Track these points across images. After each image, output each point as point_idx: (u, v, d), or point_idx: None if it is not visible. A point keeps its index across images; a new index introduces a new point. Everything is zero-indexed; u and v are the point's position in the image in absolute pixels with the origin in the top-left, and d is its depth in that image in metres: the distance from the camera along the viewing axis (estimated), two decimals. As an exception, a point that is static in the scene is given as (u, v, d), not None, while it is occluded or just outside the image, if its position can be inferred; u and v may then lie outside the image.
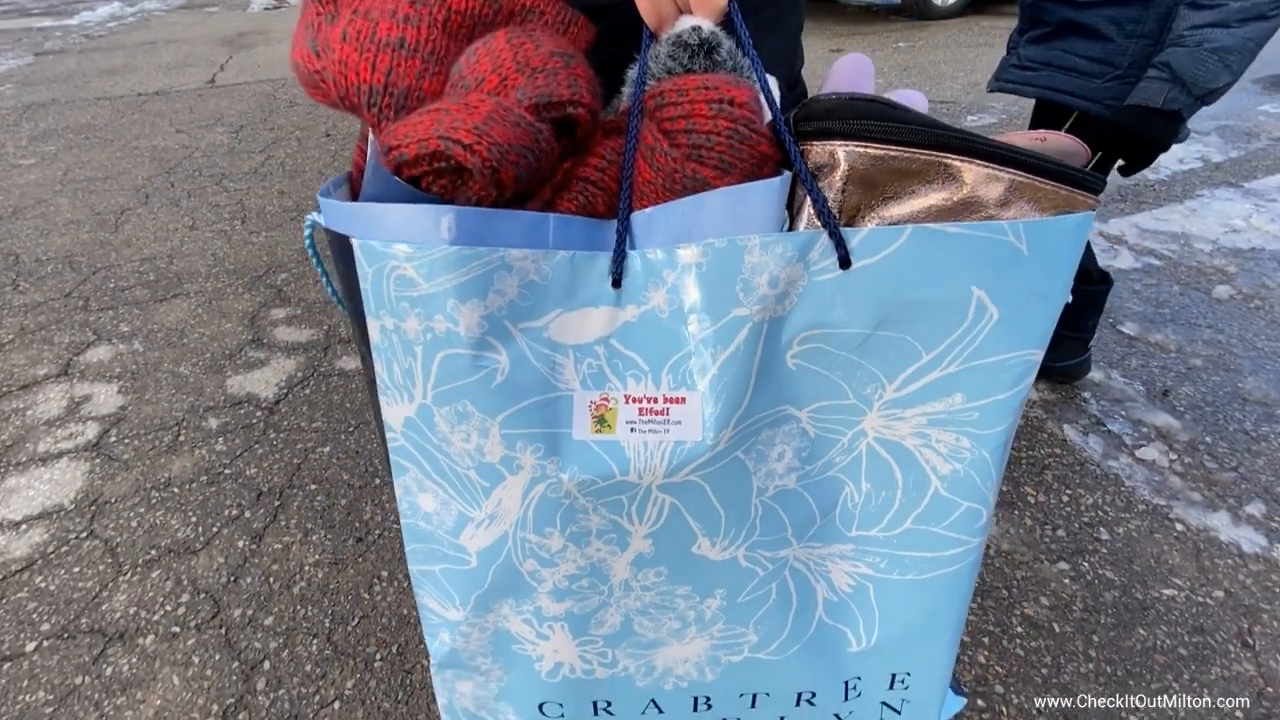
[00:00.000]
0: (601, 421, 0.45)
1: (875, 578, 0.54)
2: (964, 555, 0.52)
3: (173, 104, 4.04)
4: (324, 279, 0.50)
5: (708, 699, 0.59)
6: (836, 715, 0.60)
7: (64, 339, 1.89)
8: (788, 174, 0.41)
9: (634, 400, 0.44)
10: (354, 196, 0.49)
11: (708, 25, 0.42)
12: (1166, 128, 1.07)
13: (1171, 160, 2.88)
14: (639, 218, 0.42)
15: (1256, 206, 2.46)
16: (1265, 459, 1.41)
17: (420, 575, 0.54)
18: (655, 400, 0.44)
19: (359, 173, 0.49)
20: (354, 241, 0.40)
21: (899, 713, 0.60)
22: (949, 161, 0.39)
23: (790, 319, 0.42)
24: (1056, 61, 1.18)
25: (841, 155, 0.40)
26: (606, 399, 0.44)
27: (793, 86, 0.62)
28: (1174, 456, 1.42)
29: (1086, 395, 1.60)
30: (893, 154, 0.39)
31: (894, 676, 0.58)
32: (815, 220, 0.39)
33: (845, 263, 0.39)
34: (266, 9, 7.46)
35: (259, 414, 1.61)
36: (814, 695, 0.58)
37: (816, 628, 0.56)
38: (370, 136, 0.46)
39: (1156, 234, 2.30)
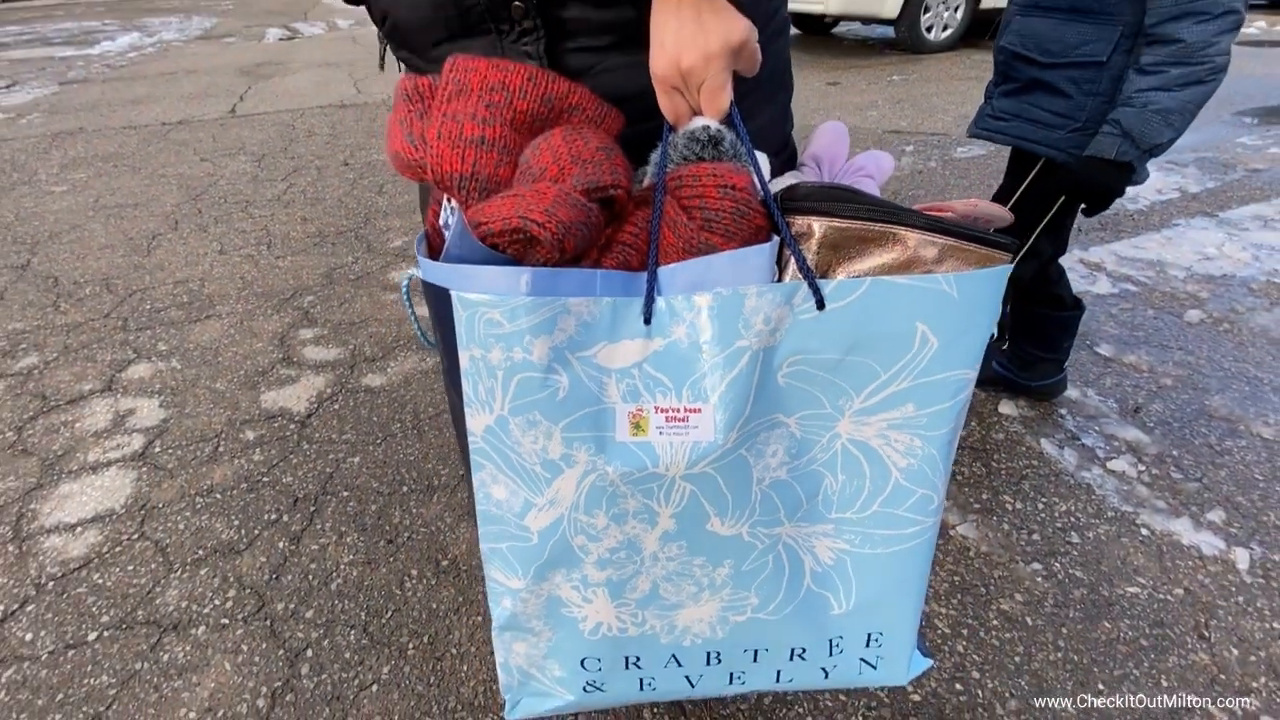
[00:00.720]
0: (637, 427, 0.57)
1: (851, 552, 0.65)
2: (921, 533, 0.64)
3: (196, 133, 4.21)
4: (412, 319, 0.63)
5: (718, 654, 0.70)
6: (823, 669, 0.71)
7: (106, 356, 2.01)
8: (776, 239, 0.55)
9: (662, 410, 0.57)
10: (433, 251, 0.62)
11: (714, 123, 0.55)
12: (1120, 176, 1.20)
13: (1150, 191, 3.02)
14: (664, 271, 0.54)
15: (1229, 235, 2.60)
16: (1227, 470, 1.53)
17: (490, 551, 0.66)
18: (678, 410, 0.57)
19: (434, 231, 0.62)
20: (453, 293, 0.53)
21: (875, 668, 0.71)
22: (896, 231, 0.52)
23: (780, 347, 0.55)
24: (1025, 114, 1.32)
25: (816, 226, 0.53)
26: (641, 410, 0.57)
27: (783, 148, 0.75)
28: (1142, 468, 1.54)
29: (1063, 412, 1.72)
30: (854, 226, 0.53)
31: (869, 636, 0.69)
32: (798, 274, 0.53)
33: (820, 305, 0.53)
34: (281, 40, 7.71)
35: (292, 427, 1.72)
36: (804, 651, 0.70)
37: (805, 593, 0.67)
38: (447, 204, 0.59)
39: (1134, 261, 2.43)
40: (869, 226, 0.52)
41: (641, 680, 0.72)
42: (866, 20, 5.96)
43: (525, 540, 0.63)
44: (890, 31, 6.06)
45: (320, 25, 8.49)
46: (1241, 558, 1.31)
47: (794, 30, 7.12)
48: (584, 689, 0.72)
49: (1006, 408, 1.73)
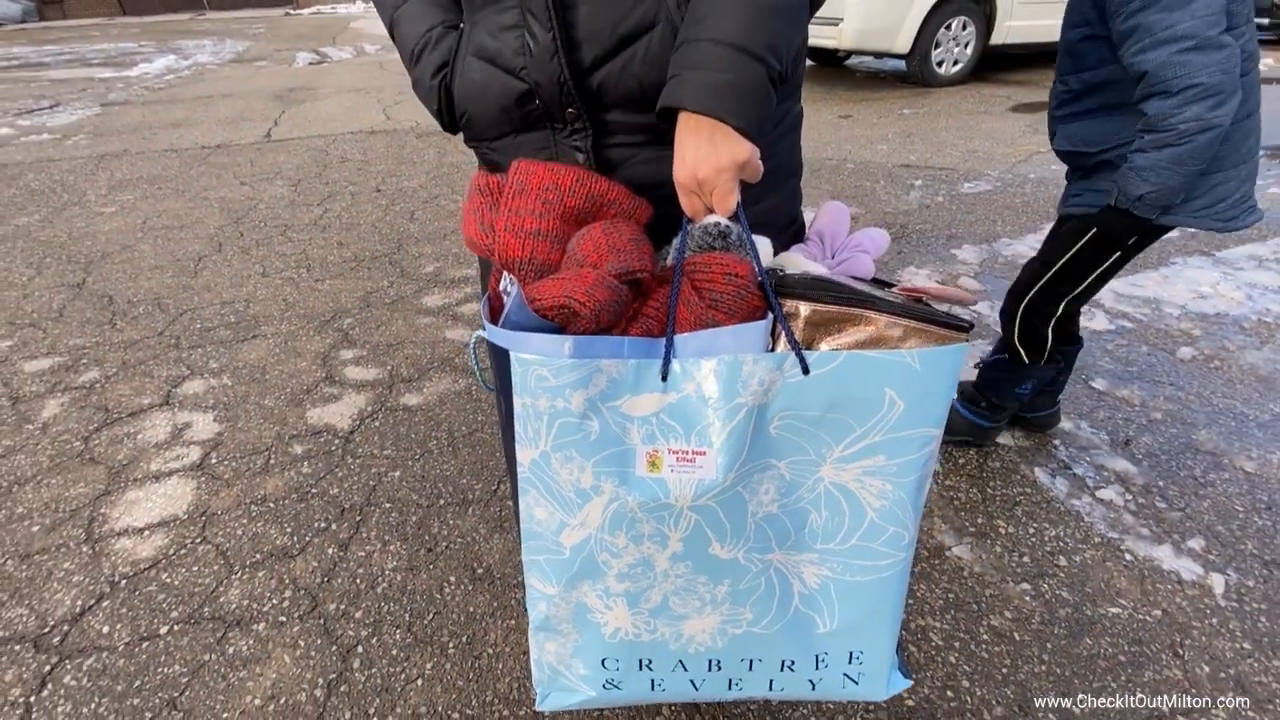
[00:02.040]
0: (653, 465, 0.71)
1: (834, 578, 0.78)
2: (894, 565, 0.76)
3: (234, 157, 4.42)
4: (476, 369, 0.77)
5: (718, 661, 0.83)
6: (810, 681, 0.83)
7: (162, 373, 2.17)
8: (771, 317, 0.68)
9: (674, 452, 0.70)
10: (494, 312, 0.76)
11: (724, 220, 0.70)
12: (1122, 221, 1.38)
13: (1150, 229, 3.14)
14: (679, 340, 0.68)
15: (1225, 275, 2.71)
16: (1210, 501, 1.63)
17: (530, 563, 0.79)
18: (687, 453, 0.70)
19: (495, 295, 0.77)
20: (512, 354, 0.67)
21: (857, 683, 0.83)
22: (867, 314, 0.66)
23: (772, 404, 0.68)
24: (1092, 188, 1.51)
25: (803, 308, 0.67)
26: (657, 451, 0.70)
27: (791, 224, 0.89)
28: (1129, 497, 1.64)
29: (1057, 443, 1.83)
30: (834, 309, 0.66)
31: (851, 654, 0.81)
32: (787, 345, 0.66)
33: (806, 371, 0.66)
34: (310, 64, 7.99)
35: (337, 442, 1.86)
36: (793, 663, 0.82)
37: (794, 613, 0.80)
38: (506, 276, 0.73)
39: (1131, 298, 2.55)
40: (845, 310, 0.66)
41: (653, 681, 0.85)
42: (879, 54, 6.14)
43: (559, 554, 0.76)
44: (902, 65, 6.24)
45: (348, 50, 8.78)
46: (1218, 583, 1.42)
47: (809, 62, 7.32)
48: (603, 686, 0.85)
49: (1003, 438, 1.85)
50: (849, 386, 0.66)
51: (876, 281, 0.80)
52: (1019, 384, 1.69)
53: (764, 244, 0.72)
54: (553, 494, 0.73)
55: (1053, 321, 1.60)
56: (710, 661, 0.83)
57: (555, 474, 0.71)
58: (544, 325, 0.66)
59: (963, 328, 0.66)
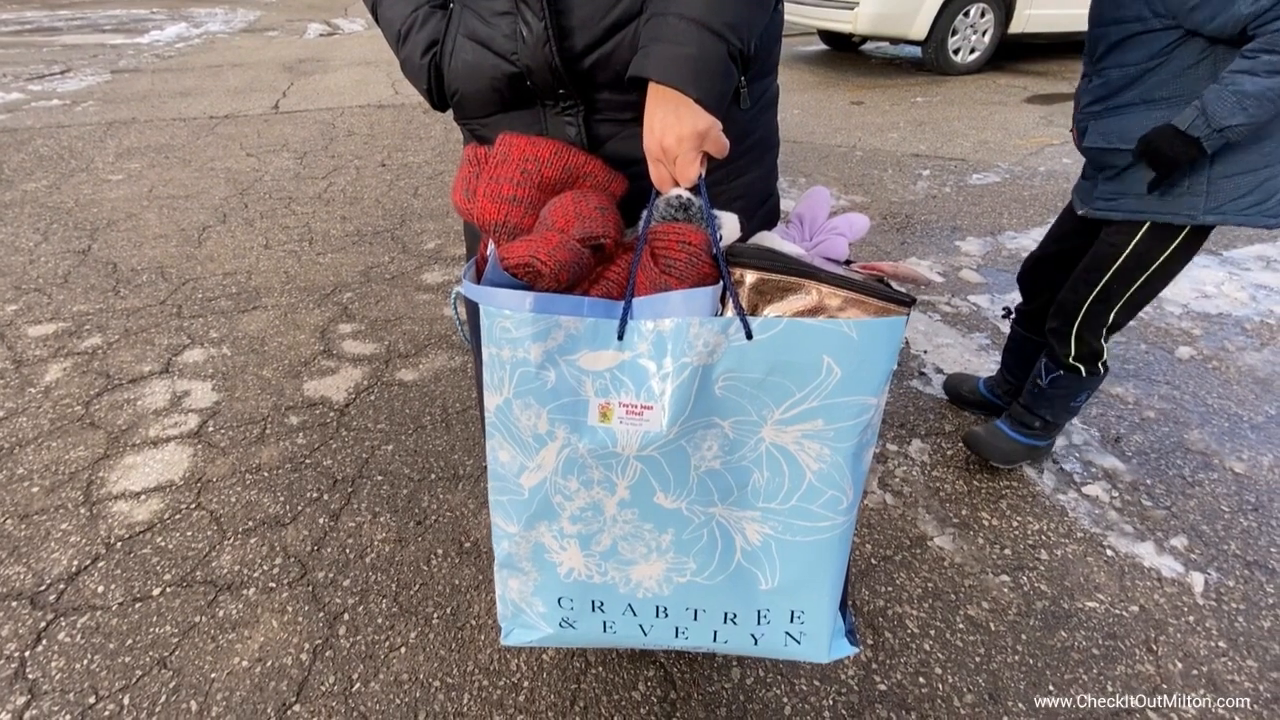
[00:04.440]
0: (604, 415, 0.75)
1: (775, 537, 0.81)
2: (833, 528, 0.79)
3: (241, 128, 4.42)
4: (458, 323, 0.82)
5: (665, 609, 0.87)
6: (753, 635, 0.87)
7: (163, 341, 2.19)
8: (720, 284, 0.70)
9: (624, 405, 0.74)
10: (479, 276, 0.78)
11: (686, 193, 0.72)
12: (1183, 149, 1.27)
13: (1157, 226, 3.11)
14: (636, 302, 0.71)
15: (1230, 274, 2.68)
16: (1196, 501, 1.63)
17: (495, 503, 0.84)
18: (636, 406, 0.74)
19: (482, 259, 0.79)
20: (481, 306, 0.71)
21: (799, 642, 0.86)
22: (808, 284, 0.67)
23: (717, 365, 0.71)
24: (1130, 191, 1.39)
25: (748, 276, 0.70)
26: (608, 403, 0.74)
27: (769, 199, 0.90)
28: (1115, 494, 1.65)
29: (1047, 437, 1.83)
30: (776, 278, 0.68)
31: (793, 613, 0.85)
32: (732, 310, 0.69)
33: (749, 336, 0.69)
34: (321, 36, 7.95)
35: (332, 414, 1.88)
36: (736, 616, 0.86)
37: (736, 567, 0.83)
38: (491, 244, 0.75)
39: (1133, 296, 2.53)
40: (787, 279, 0.69)
41: (605, 623, 0.90)
42: (894, 40, 6.05)
43: (519, 495, 0.81)
44: (918, 52, 6.15)
45: (360, 22, 8.73)
46: (1198, 582, 1.42)
47: (823, 46, 7.23)
48: (560, 624, 0.90)
49: (994, 431, 1.85)
50: (789, 352, 0.69)
51: (848, 263, 0.81)
52: (1075, 398, 1.62)
53: (730, 220, 0.75)
54: (514, 438, 0.77)
55: (1105, 331, 1.53)
56: (658, 608, 0.88)
57: (516, 419, 0.76)
58: (515, 283, 0.70)
59: (904, 302, 0.67)
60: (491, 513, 0.85)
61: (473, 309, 0.79)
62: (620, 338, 0.70)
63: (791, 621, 0.85)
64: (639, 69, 0.69)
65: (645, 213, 0.74)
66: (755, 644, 0.87)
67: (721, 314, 0.70)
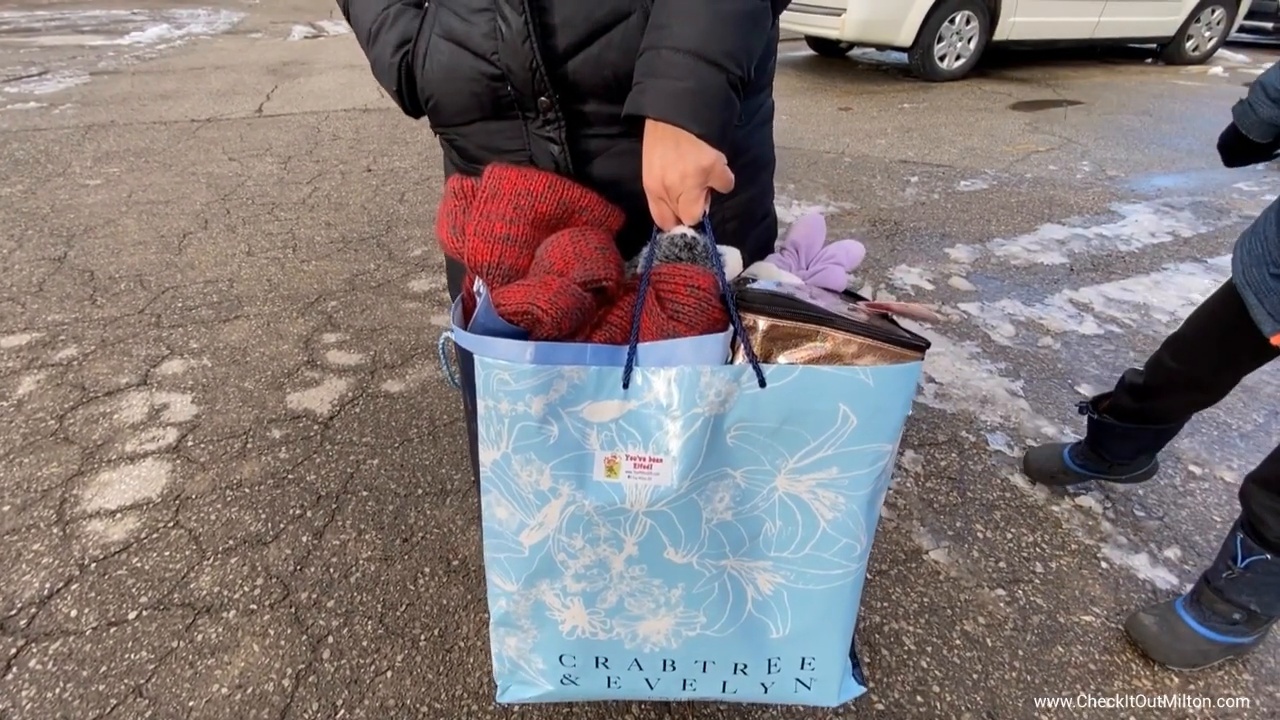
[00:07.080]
0: (611, 470, 0.71)
1: (787, 586, 0.78)
2: (846, 575, 0.76)
3: (224, 132, 4.34)
4: (445, 370, 0.77)
5: (673, 662, 0.84)
6: (763, 684, 0.84)
7: (141, 351, 2.14)
8: (731, 330, 0.67)
9: (631, 458, 0.70)
10: (466, 315, 0.75)
11: (690, 231, 0.69)
12: None
13: (1143, 234, 3.13)
14: (641, 348, 0.67)
15: (1216, 281, 2.70)
16: (1188, 511, 1.63)
17: (491, 560, 0.79)
18: (644, 459, 0.70)
19: (469, 296, 0.76)
20: (476, 358, 0.66)
21: (809, 688, 0.84)
22: (823, 330, 0.65)
23: (729, 415, 0.68)
24: None
25: (761, 323, 0.66)
26: (615, 456, 0.70)
27: (765, 218, 0.87)
28: (1108, 505, 1.64)
29: (1039, 447, 1.82)
30: (791, 325, 0.65)
31: (804, 659, 0.82)
32: (744, 358, 0.65)
33: (762, 384, 0.66)
34: (306, 38, 7.87)
35: (315, 428, 1.84)
36: (746, 667, 0.83)
37: (747, 618, 0.80)
38: (478, 281, 0.72)
39: (1121, 303, 2.54)
40: (801, 326, 0.66)
41: (609, 678, 0.86)
42: (881, 46, 6.08)
43: (519, 553, 0.76)
44: (904, 58, 6.19)
45: (345, 24, 8.65)
46: (1192, 593, 1.42)
47: (810, 52, 7.25)
48: (561, 681, 0.86)
49: (989, 442, 1.84)
50: (804, 400, 0.66)
51: (848, 294, 0.79)
52: None
53: (733, 255, 0.71)
54: (513, 495, 0.73)
55: None
56: (665, 661, 0.84)
57: (515, 475, 0.71)
58: (511, 329, 0.65)
59: (918, 346, 0.65)
60: (487, 570, 0.80)
61: (464, 357, 0.73)
62: (626, 386, 0.66)
63: (802, 668, 0.82)
64: (635, 106, 0.66)
65: (647, 251, 0.70)
66: (765, 692, 0.84)
67: (732, 360, 0.67)
